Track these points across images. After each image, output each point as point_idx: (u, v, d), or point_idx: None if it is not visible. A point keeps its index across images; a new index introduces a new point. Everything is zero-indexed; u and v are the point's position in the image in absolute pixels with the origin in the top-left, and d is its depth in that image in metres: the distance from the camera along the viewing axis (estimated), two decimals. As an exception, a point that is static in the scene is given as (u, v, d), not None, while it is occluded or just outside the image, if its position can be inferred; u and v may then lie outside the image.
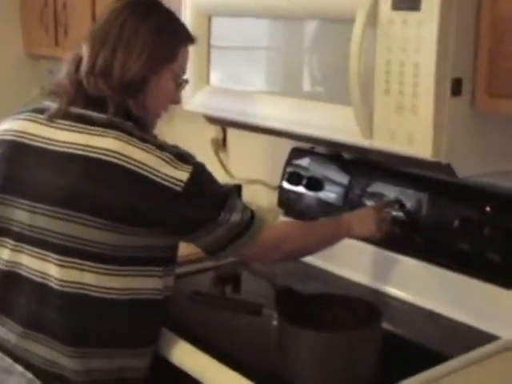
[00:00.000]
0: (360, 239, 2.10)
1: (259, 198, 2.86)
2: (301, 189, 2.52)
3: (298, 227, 2.05)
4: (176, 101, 1.98)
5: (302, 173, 2.52)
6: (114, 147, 1.74)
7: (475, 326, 2.03)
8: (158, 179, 1.72)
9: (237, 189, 2.77)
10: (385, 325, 1.80)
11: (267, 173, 2.83)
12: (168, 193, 1.73)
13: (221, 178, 2.93)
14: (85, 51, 1.83)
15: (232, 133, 2.98)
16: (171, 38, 1.86)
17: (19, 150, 1.84)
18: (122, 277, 1.79)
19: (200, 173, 1.80)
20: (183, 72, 1.93)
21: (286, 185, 2.59)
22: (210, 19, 2.21)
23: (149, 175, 1.72)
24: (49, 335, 1.81)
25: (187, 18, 2.22)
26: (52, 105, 1.86)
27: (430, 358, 1.86)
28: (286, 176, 2.58)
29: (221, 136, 3.04)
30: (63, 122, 1.82)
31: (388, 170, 2.24)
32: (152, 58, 1.81)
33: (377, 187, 2.28)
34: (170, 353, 1.94)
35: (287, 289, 2.43)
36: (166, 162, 1.74)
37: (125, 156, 1.73)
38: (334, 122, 1.87)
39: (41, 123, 1.84)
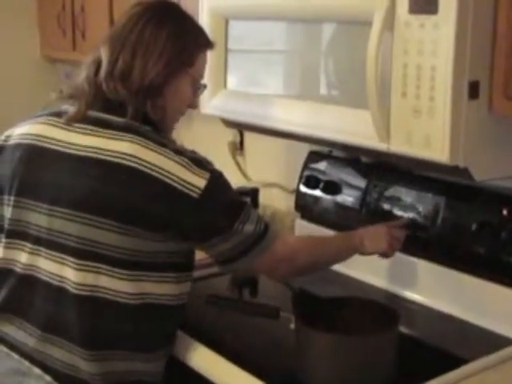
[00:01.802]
0: (371, 255, 2.08)
1: (276, 201, 2.86)
2: (318, 192, 2.52)
3: (310, 242, 2.03)
4: (193, 105, 1.99)
5: (320, 176, 2.52)
6: (130, 151, 1.74)
7: (492, 330, 2.02)
8: (175, 184, 1.72)
9: (254, 192, 2.77)
10: (402, 328, 1.80)
11: (284, 176, 2.84)
12: (184, 199, 1.73)
13: (238, 181, 2.94)
14: (104, 55, 1.84)
15: (249, 136, 2.98)
16: (190, 43, 1.87)
17: (36, 154, 1.85)
18: (136, 282, 1.78)
19: (217, 180, 1.80)
20: (201, 77, 1.94)
21: (303, 188, 2.58)
22: (227, 22, 2.22)
23: (165, 179, 1.72)
24: (66, 338, 1.81)
25: (204, 21, 2.23)
26: (70, 108, 1.86)
27: (448, 362, 1.86)
28: (303, 179, 2.58)
29: (238, 139, 3.05)
30: (80, 125, 1.82)
31: (405, 173, 2.24)
32: (171, 63, 1.82)
33: (394, 191, 2.27)
34: (186, 356, 1.94)
35: (304, 292, 2.43)
36: (184, 166, 1.75)
37: (141, 159, 1.73)
38: (351, 126, 1.87)
39: (58, 127, 1.85)
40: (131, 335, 1.82)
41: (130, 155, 1.74)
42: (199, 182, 1.74)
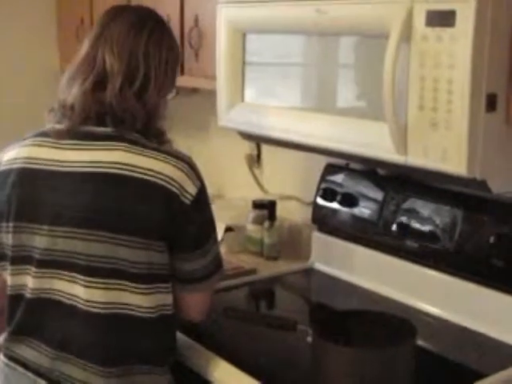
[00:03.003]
0: None
1: (293, 213, 2.86)
2: (335, 205, 2.52)
3: None
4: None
5: (337, 189, 2.52)
6: (122, 159, 1.75)
7: (510, 343, 2.01)
8: (174, 189, 1.74)
9: (271, 205, 2.78)
10: (419, 341, 1.79)
11: (301, 189, 2.84)
12: (180, 204, 1.75)
13: (255, 194, 2.95)
14: (112, 69, 1.81)
15: (266, 149, 2.99)
16: (177, 47, 1.97)
17: (29, 176, 1.83)
18: (153, 294, 1.79)
19: (205, 190, 1.83)
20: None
21: (320, 201, 2.58)
22: (244, 36, 2.23)
23: (163, 184, 1.74)
24: (80, 356, 1.80)
25: (222, 34, 2.24)
26: (56, 126, 1.84)
27: (465, 375, 1.85)
28: (320, 192, 2.58)
29: (255, 152, 3.05)
30: (68, 141, 1.81)
31: (422, 185, 2.23)
32: (174, 73, 1.92)
33: (411, 203, 2.27)
34: (203, 369, 1.94)
35: (321, 305, 2.43)
36: (183, 172, 1.77)
37: (134, 166, 1.74)
38: (369, 139, 1.87)
39: (47, 146, 1.83)
40: (150, 349, 1.83)
41: (123, 163, 1.74)
42: (192, 189, 1.77)
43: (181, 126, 3.53)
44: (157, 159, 1.76)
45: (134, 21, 1.87)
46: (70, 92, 1.82)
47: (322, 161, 2.56)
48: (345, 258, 2.50)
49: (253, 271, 2.60)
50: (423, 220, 2.23)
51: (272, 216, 2.77)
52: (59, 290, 1.81)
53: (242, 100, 2.28)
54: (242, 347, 2.04)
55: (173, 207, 1.75)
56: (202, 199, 1.80)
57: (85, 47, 1.87)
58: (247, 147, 3.02)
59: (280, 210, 2.81)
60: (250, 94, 2.27)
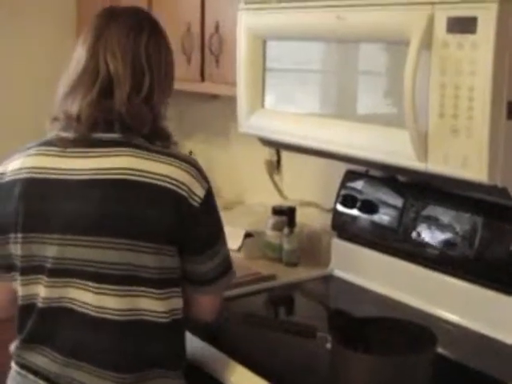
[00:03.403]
0: None
1: (313, 220, 2.86)
2: (355, 212, 2.52)
3: None
4: None
5: (357, 195, 2.52)
6: (130, 165, 1.75)
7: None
8: (182, 192, 1.75)
9: (290, 211, 2.78)
10: (438, 349, 1.78)
11: (321, 195, 2.84)
12: (189, 206, 1.75)
13: (275, 200, 2.95)
14: (116, 75, 1.80)
15: (286, 155, 2.99)
16: (170, 45, 1.94)
17: (36, 186, 1.81)
18: (168, 299, 1.80)
19: (212, 192, 1.83)
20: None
21: (340, 207, 2.58)
22: (264, 43, 2.23)
23: (172, 187, 1.74)
24: (93, 363, 1.80)
25: (242, 41, 2.25)
26: (61, 134, 1.83)
27: (486, 384, 1.84)
28: (340, 199, 2.58)
29: (275, 158, 3.06)
30: (74, 149, 1.80)
31: (442, 192, 2.23)
32: (173, 74, 1.93)
33: (431, 210, 2.26)
34: (223, 375, 1.95)
35: (341, 312, 2.42)
36: (191, 175, 1.77)
37: (140, 171, 1.74)
38: (389, 145, 1.86)
39: (53, 155, 1.82)
40: (162, 353, 1.83)
41: (129, 169, 1.74)
42: (200, 191, 1.77)
43: (201, 132, 3.54)
44: (164, 163, 1.76)
45: (132, 23, 1.85)
46: (74, 103, 1.80)
47: (342, 167, 2.56)
48: (364, 264, 2.50)
49: (272, 277, 2.60)
50: (443, 227, 2.22)
51: (291, 222, 2.77)
52: (71, 298, 1.80)
53: (263, 106, 2.28)
54: (260, 353, 2.04)
55: (182, 210, 1.75)
56: (210, 201, 1.81)
57: (82, 55, 1.83)
58: (267, 153, 3.02)
59: (299, 217, 2.81)
60: (270, 100, 2.27)
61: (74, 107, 1.79)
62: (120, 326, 1.78)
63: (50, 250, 1.79)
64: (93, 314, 1.78)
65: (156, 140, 1.83)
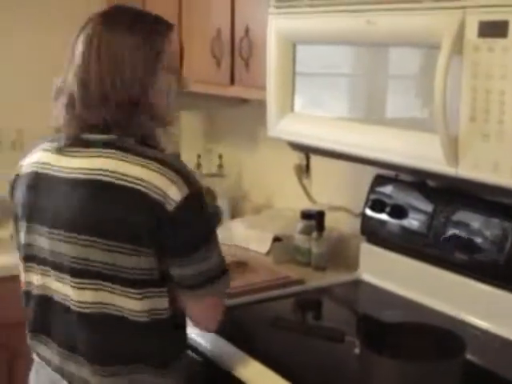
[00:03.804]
0: None
1: (342, 224, 2.86)
2: (384, 216, 2.51)
3: None
4: (181, 85, 1.97)
5: (386, 200, 2.51)
6: (104, 166, 1.77)
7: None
8: (154, 194, 1.74)
9: (319, 215, 2.77)
10: (467, 355, 1.77)
11: (350, 199, 2.83)
12: (161, 209, 1.74)
13: (304, 204, 2.95)
14: (72, 84, 1.82)
15: (315, 159, 2.99)
16: (152, 41, 1.84)
17: (39, 180, 1.89)
18: (138, 300, 1.80)
19: (194, 197, 1.78)
20: (172, 59, 1.90)
21: (369, 212, 2.58)
22: (294, 46, 2.23)
23: (144, 190, 1.74)
24: (79, 354, 1.86)
25: (272, 45, 2.25)
26: (63, 133, 1.88)
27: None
28: (369, 203, 2.58)
29: (304, 162, 3.05)
30: (70, 148, 1.85)
31: (473, 197, 2.21)
32: (144, 65, 1.82)
33: (461, 215, 2.25)
34: (251, 379, 1.95)
35: (369, 316, 2.41)
36: (166, 177, 1.75)
37: (118, 173, 1.75)
38: (418, 150, 1.86)
39: (52, 152, 1.88)
40: (143, 351, 1.85)
41: (107, 170, 1.76)
42: (177, 195, 1.74)
43: (230, 135, 3.55)
44: (142, 166, 1.76)
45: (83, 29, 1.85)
46: (75, 107, 1.83)
47: (371, 172, 2.55)
48: (393, 269, 2.49)
49: (300, 281, 2.60)
50: (473, 232, 2.21)
51: (320, 226, 2.77)
52: (55, 290, 1.88)
53: (292, 110, 2.28)
54: (289, 357, 2.04)
55: (157, 213, 1.74)
56: (190, 205, 1.77)
57: (82, 61, 1.83)
58: (296, 157, 3.02)
59: (328, 221, 2.80)
60: (299, 104, 2.27)
61: (75, 110, 1.84)
62: (93, 319, 1.82)
63: (41, 242, 1.88)
64: (72, 307, 1.83)
65: (146, 142, 1.85)
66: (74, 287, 1.82)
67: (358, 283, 2.60)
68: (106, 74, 1.79)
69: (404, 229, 2.44)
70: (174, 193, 1.74)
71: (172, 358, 1.90)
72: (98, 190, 1.77)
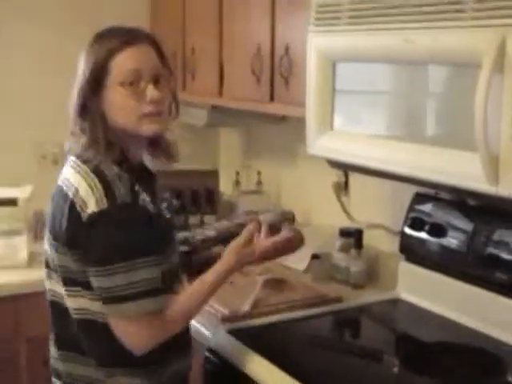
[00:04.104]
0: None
1: (380, 242, 2.85)
2: (423, 235, 2.49)
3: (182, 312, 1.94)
4: (144, 111, 1.87)
5: (425, 218, 2.50)
6: (67, 175, 1.89)
7: None
8: (77, 202, 1.81)
9: (358, 233, 2.77)
10: (509, 377, 1.75)
11: (389, 217, 2.82)
12: (78, 217, 1.79)
13: (342, 221, 2.94)
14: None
15: (354, 176, 2.98)
16: (99, 56, 1.85)
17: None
18: (69, 297, 1.90)
19: (109, 215, 1.79)
20: (130, 77, 1.85)
21: (408, 230, 2.56)
22: (334, 64, 2.23)
23: (72, 196, 1.82)
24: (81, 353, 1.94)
25: (312, 63, 2.25)
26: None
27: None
28: (408, 221, 2.56)
29: (343, 180, 3.05)
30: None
31: (513, 217, 2.19)
32: (86, 82, 1.85)
33: (501, 235, 2.23)
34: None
35: (408, 336, 2.40)
36: (91, 188, 1.80)
37: (66, 179, 1.88)
38: (459, 168, 1.85)
39: (67, 163, 1.95)
40: (84, 345, 1.92)
41: (65, 178, 1.90)
42: (93, 207, 1.78)
43: (269, 152, 3.56)
44: (79, 173, 1.85)
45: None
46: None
47: (411, 190, 2.54)
48: (432, 288, 2.47)
49: (338, 299, 2.59)
50: (514, 252, 2.19)
51: (359, 244, 2.76)
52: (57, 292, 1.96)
53: (331, 128, 2.28)
54: (326, 376, 2.03)
55: (73, 219, 1.80)
56: (103, 221, 1.79)
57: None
58: (335, 175, 3.02)
59: (367, 239, 2.79)
60: (338, 121, 2.27)
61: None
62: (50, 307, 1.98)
63: (48, 249, 1.97)
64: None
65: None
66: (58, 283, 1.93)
67: (396, 302, 2.59)
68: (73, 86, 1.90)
69: (443, 247, 2.42)
70: (91, 203, 1.79)
71: (107, 356, 1.92)
72: (56, 195, 1.90)
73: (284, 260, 2.95)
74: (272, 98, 2.71)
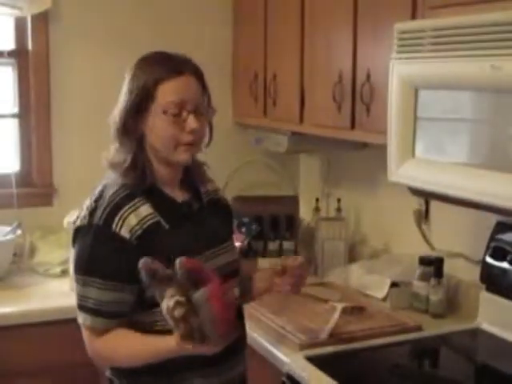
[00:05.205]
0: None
1: (460, 271, 2.81)
2: (505, 265, 2.46)
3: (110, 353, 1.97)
4: (182, 140, 1.95)
5: (507, 248, 2.46)
6: None
7: None
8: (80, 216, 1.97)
9: (438, 261, 2.74)
10: None
11: (470, 246, 2.78)
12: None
13: (422, 250, 2.92)
14: None
15: (435, 204, 2.96)
16: (147, 82, 1.92)
17: None
18: None
19: (85, 232, 1.92)
20: (174, 108, 1.92)
21: (489, 260, 2.53)
22: (416, 92, 2.23)
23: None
24: None
25: (394, 90, 2.25)
26: None
27: None
28: (489, 251, 2.53)
29: (423, 207, 3.02)
30: None
31: None
32: (131, 106, 1.93)
33: None
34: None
35: (488, 367, 2.36)
36: (89, 202, 1.94)
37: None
38: (543, 197, 1.82)
39: None
40: None
41: None
42: (80, 220, 1.94)
43: (349, 179, 3.55)
44: (96, 188, 1.98)
45: None
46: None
47: (492, 218, 2.51)
48: (514, 319, 2.43)
49: (418, 328, 2.56)
50: None
51: (439, 273, 2.73)
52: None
53: (413, 155, 2.27)
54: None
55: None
56: (78, 235, 1.95)
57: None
58: (415, 202, 3.00)
59: (447, 268, 2.76)
60: (420, 149, 2.26)
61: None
62: None
63: None
64: None
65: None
66: None
67: (476, 332, 2.55)
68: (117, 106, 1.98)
69: (526, 278, 2.38)
70: (81, 216, 1.94)
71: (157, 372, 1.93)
72: None
73: (363, 288, 2.94)
74: (353, 125, 2.71)
